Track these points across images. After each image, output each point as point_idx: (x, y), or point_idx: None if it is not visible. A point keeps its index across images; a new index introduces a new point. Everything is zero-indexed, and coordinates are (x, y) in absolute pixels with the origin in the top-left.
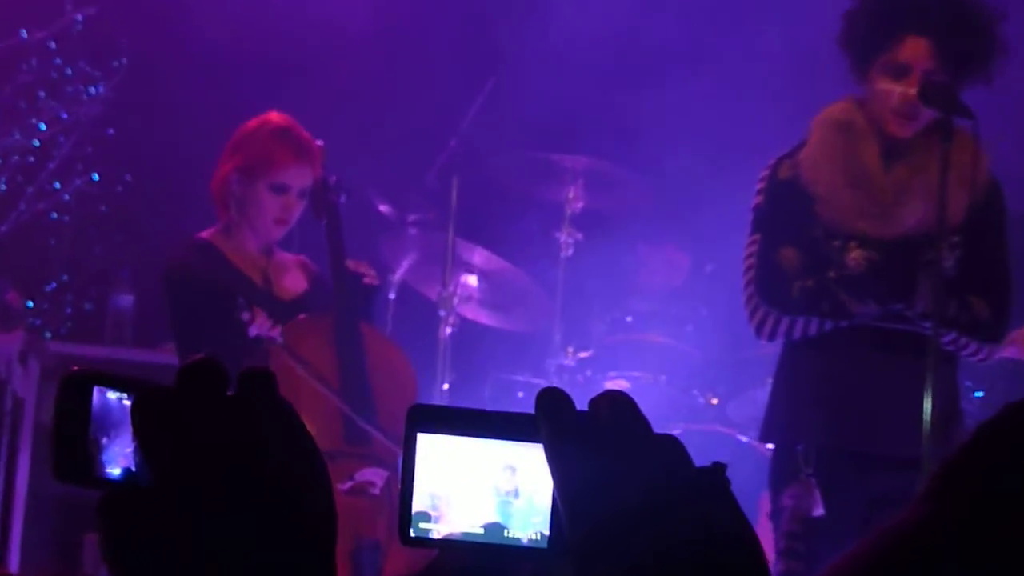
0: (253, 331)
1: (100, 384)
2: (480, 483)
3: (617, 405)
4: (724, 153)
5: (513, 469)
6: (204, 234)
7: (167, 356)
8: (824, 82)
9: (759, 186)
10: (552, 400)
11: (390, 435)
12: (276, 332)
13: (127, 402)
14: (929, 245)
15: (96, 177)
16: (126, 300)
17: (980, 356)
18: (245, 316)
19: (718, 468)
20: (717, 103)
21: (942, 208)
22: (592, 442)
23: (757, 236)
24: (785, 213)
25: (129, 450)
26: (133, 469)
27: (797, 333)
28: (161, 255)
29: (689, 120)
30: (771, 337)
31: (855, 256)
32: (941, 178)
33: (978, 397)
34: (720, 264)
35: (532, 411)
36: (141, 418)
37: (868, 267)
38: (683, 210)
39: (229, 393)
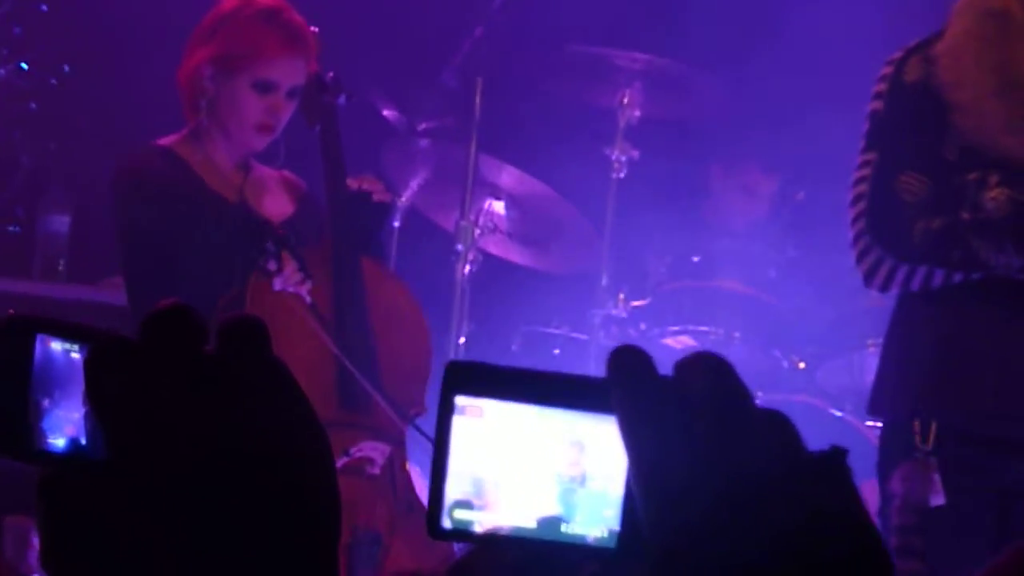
0: (278, 284)
1: (44, 332)
2: (538, 464)
3: (712, 370)
4: (823, 48)
5: (581, 447)
6: (164, 141)
7: (110, 294)
8: None
9: (877, 88)
10: (630, 361)
11: (395, 400)
12: (305, 288)
13: (76, 355)
14: None
15: (25, 66)
16: (59, 222)
17: None
18: (271, 265)
19: (838, 453)
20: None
21: None
22: (681, 416)
23: (872, 155)
24: (910, 126)
25: (78, 416)
26: (82, 441)
27: (917, 284)
28: (105, 167)
29: (777, 5)
30: (884, 287)
31: (996, 195)
32: None
33: None
34: (815, 191)
35: (596, 374)
36: (97, 376)
37: (1012, 210)
38: (769, 121)
39: (208, 349)
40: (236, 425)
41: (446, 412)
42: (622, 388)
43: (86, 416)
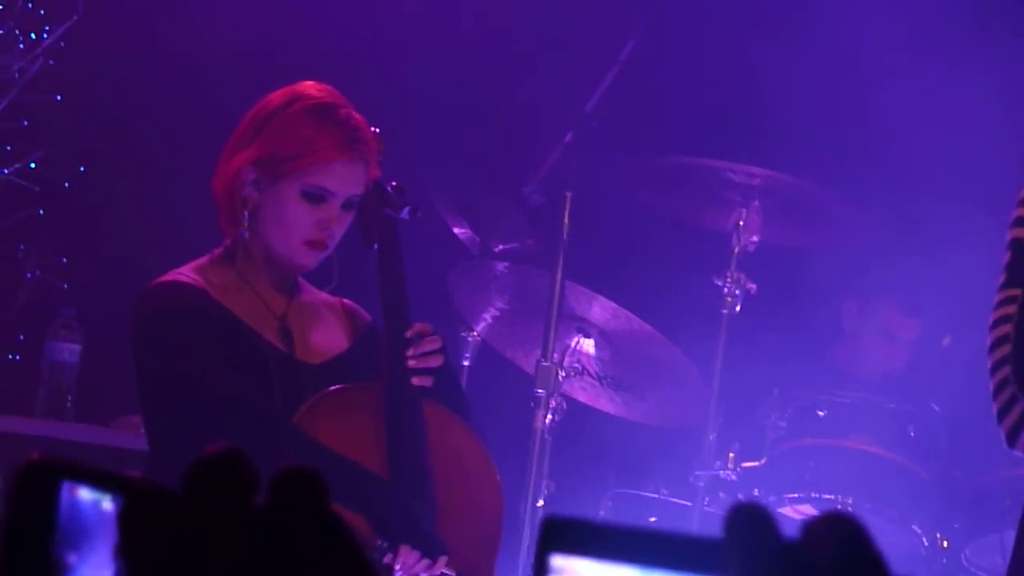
0: None
1: (71, 479)
2: None
3: (845, 536)
4: (978, 171)
5: None
6: (184, 275)
7: (126, 437)
8: None
9: (1018, 213)
10: (751, 521)
11: (459, 569)
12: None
13: (108, 506)
14: None
15: (33, 166)
16: (69, 351)
17: None
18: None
19: None
20: (971, 97)
21: None
22: None
23: (1016, 290)
24: None
25: (108, 574)
26: None
27: None
28: (123, 288)
29: (926, 120)
30: None
31: None
32: None
33: None
34: (965, 337)
35: (711, 535)
36: (132, 531)
37: None
38: (915, 253)
39: (258, 502)
40: None
41: (540, 573)
42: (739, 551)
43: (117, 575)
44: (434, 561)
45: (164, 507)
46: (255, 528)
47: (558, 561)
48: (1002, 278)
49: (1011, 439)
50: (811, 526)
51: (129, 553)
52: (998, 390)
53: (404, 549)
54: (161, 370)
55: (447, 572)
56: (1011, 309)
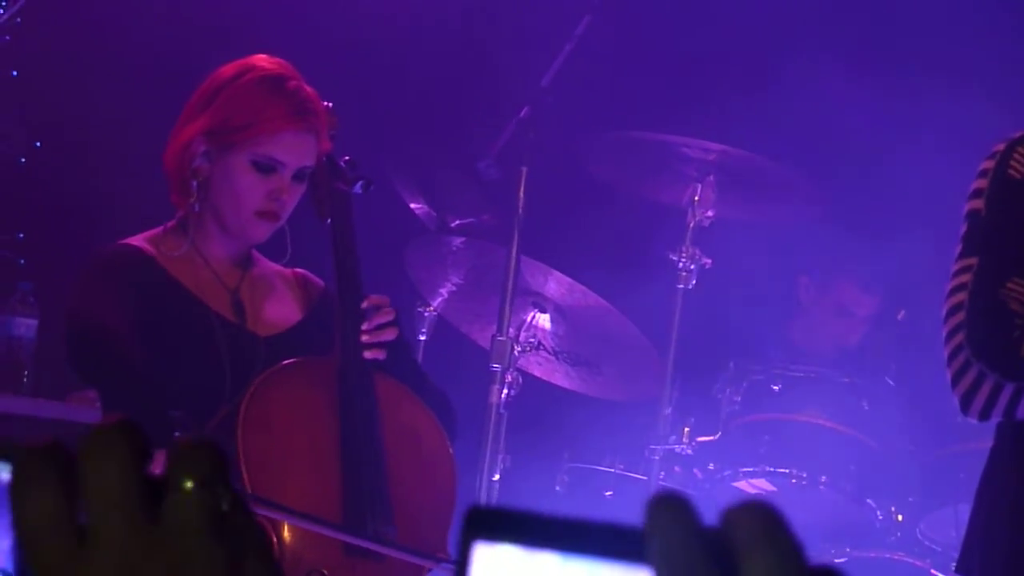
0: None
1: None
2: None
3: (762, 522)
4: (940, 143)
5: None
6: (135, 240)
7: (83, 411)
8: None
9: (977, 184)
10: (670, 510)
11: (412, 543)
12: None
13: (5, 476)
14: None
15: None
16: (26, 326)
17: None
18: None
19: None
20: (913, 77)
21: None
22: (725, 573)
23: (971, 260)
24: (1018, 226)
25: (6, 545)
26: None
27: None
28: (80, 264)
29: (874, 95)
30: (984, 413)
31: None
32: None
33: None
34: (919, 311)
35: (636, 521)
36: (20, 502)
37: None
38: (870, 229)
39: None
40: (171, 570)
41: (465, 559)
42: (661, 539)
43: (14, 547)
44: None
45: (52, 473)
46: (150, 498)
47: (482, 549)
48: (959, 248)
49: (964, 405)
50: (728, 513)
51: (21, 523)
52: (952, 356)
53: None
54: (72, 321)
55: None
56: (966, 278)
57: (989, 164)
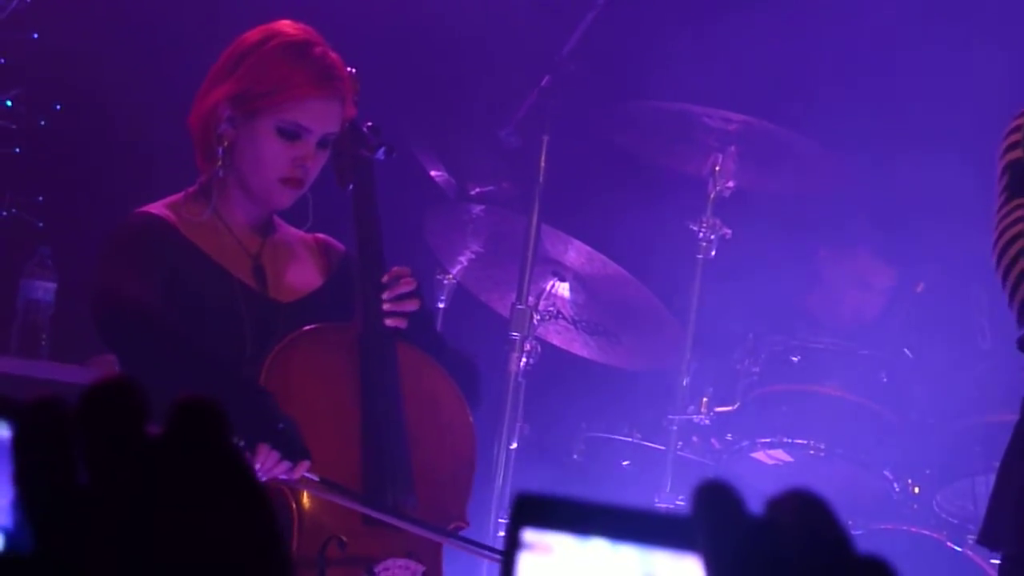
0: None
1: None
2: None
3: (809, 512)
4: (960, 116)
5: None
6: (155, 208)
7: (101, 375)
8: None
9: (1011, 139)
10: (717, 498)
11: (431, 511)
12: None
13: (6, 433)
14: None
15: (9, 103)
16: (44, 289)
17: None
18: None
19: None
20: (938, 45)
21: None
22: (773, 561)
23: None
24: None
25: (6, 502)
26: (12, 530)
27: None
28: (99, 228)
29: (905, 65)
30: None
31: None
32: None
33: None
34: (937, 284)
35: (671, 488)
36: (22, 460)
37: None
38: (887, 201)
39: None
40: (172, 528)
41: (512, 547)
42: (708, 526)
43: (14, 504)
44: (294, 464)
45: (54, 431)
46: (148, 457)
47: (530, 536)
48: (1002, 197)
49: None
50: (774, 502)
51: (22, 480)
52: (1007, 272)
53: (263, 448)
54: (100, 296)
55: (310, 476)
56: (1021, 212)
57: (1021, 120)
